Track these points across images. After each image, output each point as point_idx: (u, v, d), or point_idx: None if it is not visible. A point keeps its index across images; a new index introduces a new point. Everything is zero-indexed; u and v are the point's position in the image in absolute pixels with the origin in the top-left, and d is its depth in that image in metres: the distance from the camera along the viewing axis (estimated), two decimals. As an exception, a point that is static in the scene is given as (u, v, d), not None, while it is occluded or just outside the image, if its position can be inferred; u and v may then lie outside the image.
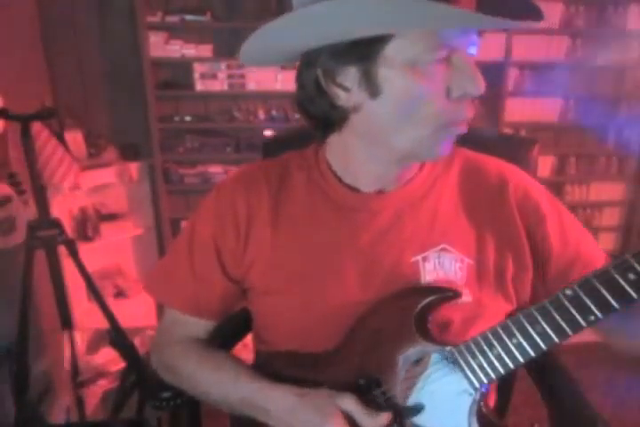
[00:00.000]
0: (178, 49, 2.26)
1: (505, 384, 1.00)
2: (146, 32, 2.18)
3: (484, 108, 2.54)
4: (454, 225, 0.74)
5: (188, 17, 2.22)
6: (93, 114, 2.41)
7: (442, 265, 0.71)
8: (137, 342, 1.84)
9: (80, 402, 1.77)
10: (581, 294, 0.56)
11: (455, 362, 0.63)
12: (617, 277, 0.54)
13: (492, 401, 0.85)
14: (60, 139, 2.01)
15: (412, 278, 0.71)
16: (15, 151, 1.62)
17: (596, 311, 0.55)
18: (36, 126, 1.61)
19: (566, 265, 0.74)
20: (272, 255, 0.75)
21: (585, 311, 0.56)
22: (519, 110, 2.51)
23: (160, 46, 2.24)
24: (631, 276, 0.53)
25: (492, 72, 2.44)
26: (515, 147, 1.01)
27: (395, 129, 0.65)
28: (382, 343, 0.68)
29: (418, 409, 0.65)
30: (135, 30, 2.20)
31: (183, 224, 2.50)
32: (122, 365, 1.79)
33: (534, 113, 2.53)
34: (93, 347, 2.00)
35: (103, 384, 1.87)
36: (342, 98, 0.66)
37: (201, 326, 0.83)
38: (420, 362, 0.65)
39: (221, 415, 0.87)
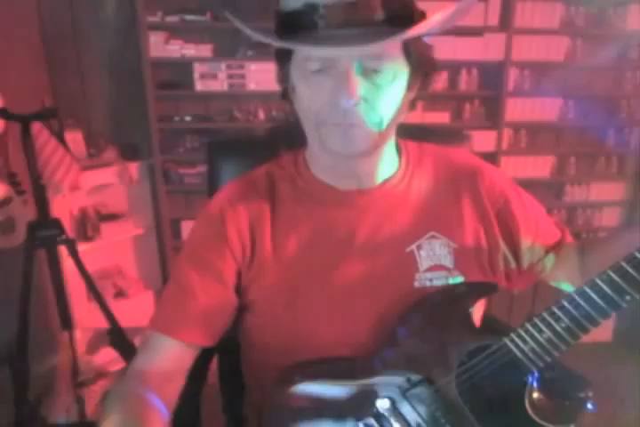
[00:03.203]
0: (178, 49, 2.26)
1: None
2: (146, 32, 2.18)
3: (484, 108, 2.54)
4: (437, 212, 0.81)
5: (188, 17, 2.22)
6: (93, 114, 2.41)
7: (433, 251, 0.79)
8: (137, 342, 1.83)
9: (80, 402, 1.77)
10: (615, 277, 0.62)
11: (509, 351, 0.66)
12: None
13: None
14: (60, 139, 2.01)
15: (410, 266, 0.78)
16: (15, 151, 1.62)
17: (631, 291, 0.61)
18: (36, 126, 1.61)
19: (532, 239, 0.84)
20: (278, 263, 0.78)
21: (621, 292, 0.61)
22: (519, 110, 2.50)
23: (160, 46, 2.24)
24: None
25: (492, 72, 2.45)
26: (446, 141, 0.98)
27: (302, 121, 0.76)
28: (432, 340, 0.71)
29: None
30: (135, 30, 2.20)
31: (183, 224, 2.49)
32: (122, 365, 1.78)
33: (534, 113, 2.53)
34: (93, 347, 2.00)
35: (103, 384, 1.87)
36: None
37: (193, 351, 0.79)
38: (473, 355, 0.68)
39: (221, 416, 0.87)
